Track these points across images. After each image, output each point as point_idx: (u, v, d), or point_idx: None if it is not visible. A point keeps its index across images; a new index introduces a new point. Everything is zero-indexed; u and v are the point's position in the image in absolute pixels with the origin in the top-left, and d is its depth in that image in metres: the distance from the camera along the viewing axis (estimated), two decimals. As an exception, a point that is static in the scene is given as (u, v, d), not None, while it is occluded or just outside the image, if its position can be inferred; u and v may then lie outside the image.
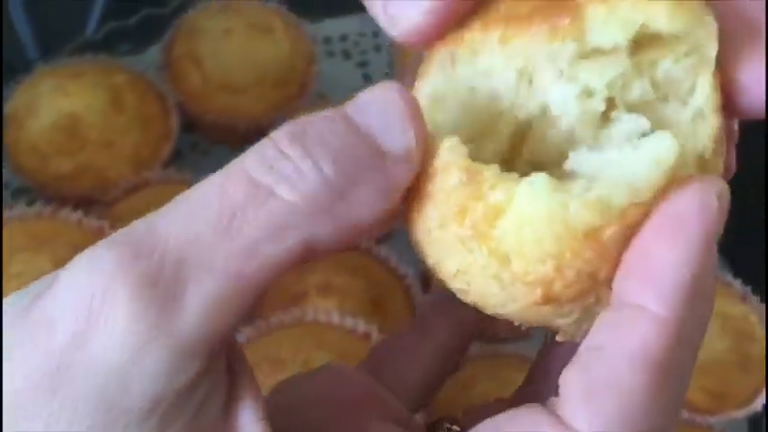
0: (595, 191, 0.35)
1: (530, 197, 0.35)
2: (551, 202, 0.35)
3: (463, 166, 0.36)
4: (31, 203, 1.04)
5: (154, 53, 1.21)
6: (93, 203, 1.08)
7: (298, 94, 1.19)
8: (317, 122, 0.37)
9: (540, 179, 0.36)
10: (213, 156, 1.23)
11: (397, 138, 0.36)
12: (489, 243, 0.35)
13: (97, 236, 0.96)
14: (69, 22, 1.27)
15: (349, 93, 1.30)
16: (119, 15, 1.27)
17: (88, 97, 1.08)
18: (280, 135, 0.37)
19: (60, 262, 0.92)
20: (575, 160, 0.38)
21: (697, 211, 0.33)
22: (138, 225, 0.37)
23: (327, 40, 1.35)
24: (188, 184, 1.08)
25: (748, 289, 1.09)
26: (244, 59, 1.14)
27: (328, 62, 1.33)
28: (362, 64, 1.34)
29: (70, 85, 1.09)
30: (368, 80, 1.32)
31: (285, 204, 0.35)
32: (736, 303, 1.08)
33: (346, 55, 1.34)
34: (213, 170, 1.23)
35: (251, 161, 0.37)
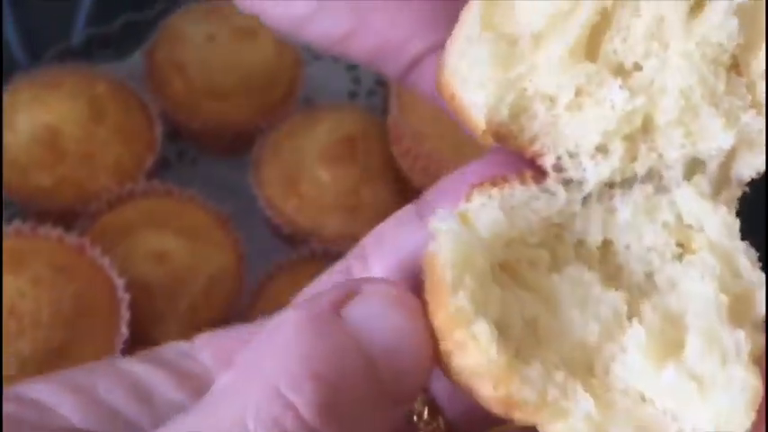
0: None
1: None
2: None
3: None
4: (11, 218, 1.01)
5: (136, 59, 1.18)
6: (77, 216, 1.04)
7: (284, 99, 1.16)
8: (349, 391, 0.39)
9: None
10: (202, 164, 1.20)
11: (417, 385, 0.40)
12: None
13: (78, 254, 0.92)
14: (55, 27, 1.24)
15: (337, 97, 1.22)
16: (103, 20, 1.23)
17: (67, 108, 1.05)
18: (310, 406, 0.38)
19: (40, 282, 0.89)
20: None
21: None
22: None
23: (315, 43, 1.31)
24: (173, 194, 1.05)
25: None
26: (227, 65, 1.11)
27: (316, 65, 1.29)
28: (351, 67, 1.30)
29: (49, 96, 1.05)
30: (357, 83, 1.29)
31: None
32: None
33: (334, 58, 1.30)
34: (201, 179, 1.18)
35: None
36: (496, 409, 0.40)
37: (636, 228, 0.45)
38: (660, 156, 0.44)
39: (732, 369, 0.40)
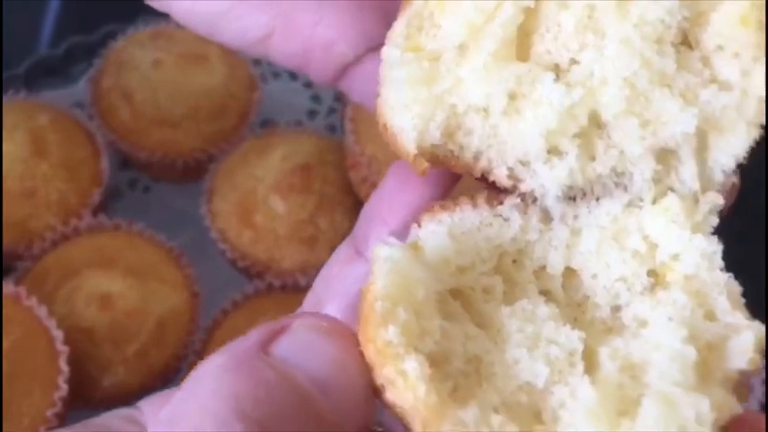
0: None
1: None
2: None
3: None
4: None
5: (82, 87, 1.13)
6: (19, 258, 0.99)
7: (238, 123, 1.11)
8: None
9: None
10: (155, 193, 1.15)
11: (358, 414, 0.38)
12: None
13: (13, 304, 0.87)
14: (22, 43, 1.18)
15: (296, 116, 1.17)
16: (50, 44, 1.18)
17: (6, 143, 0.99)
18: None
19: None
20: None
21: None
22: None
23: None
24: (121, 229, 1.00)
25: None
26: (175, 92, 1.05)
27: (275, 84, 1.24)
28: (310, 84, 1.25)
29: (-14, 131, 1.00)
30: (317, 101, 1.24)
31: None
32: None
33: (293, 75, 1.25)
34: (155, 208, 1.12)
35: None
36: None
37: (603, 255, 0.42)
38: (622, 152, 0.41)
39: None
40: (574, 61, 0.41)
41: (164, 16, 1.12)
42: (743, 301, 0.40)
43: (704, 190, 0.41)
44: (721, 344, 0.39)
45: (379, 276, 0.39)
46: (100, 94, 1.09)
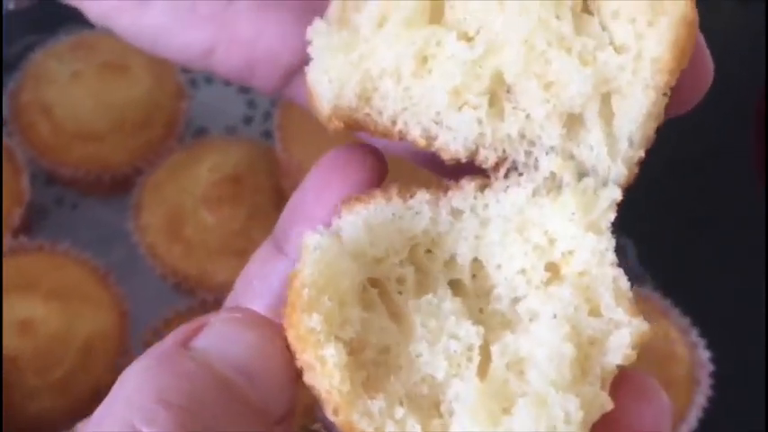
0: None
1: None
2: None
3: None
4: None
5: (0, 102, 1.08)
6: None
7: (166, 134, 1.07)
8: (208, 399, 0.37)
9: None
10: (82, 209, 1.11)
11: (281, 398, 0.39)
12: None
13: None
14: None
15: (230, 122, 1.15)
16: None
17: None
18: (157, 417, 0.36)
19: None
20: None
21: None
22: None
23: (204, 66, 1.22)
24: (44, 250, 0.97)
25: (668, 302, 1.03)
26: (96, 104, 1.02)
27: (207, 90, 1.21)
28: (245, 89, 1.21)
29: None
30: (252, 107, 1.21)
31: None
32: (655, 319, 1.01)
33: (226, 81, 1.22)
34: (84, 225, 1.07)
35: None
36: (338, 427, 0.40)
37: (507, 247, 0.44)
38: (528, 116, 0.42)
39: None
40: (481, 28, 0.43)
41: (87, 26, 1.10)
42: (630, 296, 0.42)
43: (613, 159, 0.42)
44: (603, 339, 0.41)
45: (308, 264, 0.41)
46: (19, 109, 1.05)
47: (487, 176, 0.44)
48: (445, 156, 0.43)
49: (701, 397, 0.98)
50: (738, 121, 1.15)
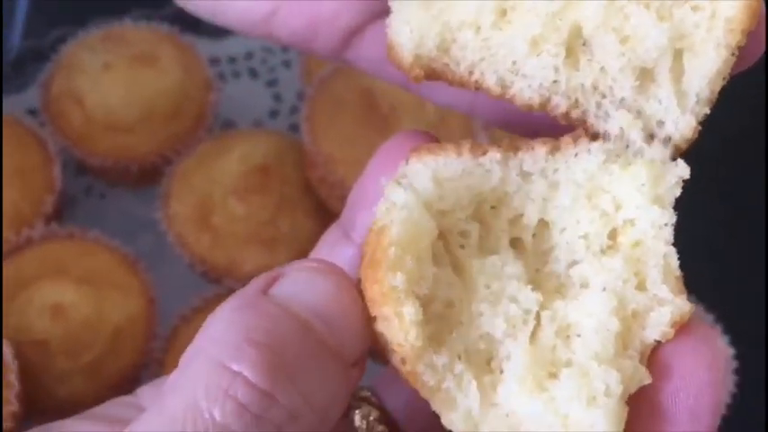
0: None
1: None
2: None
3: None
4: None
5: (33, 92, 1.10)
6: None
7: (194, 125, 1.08)
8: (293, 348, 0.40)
9: None
10: (111, 199, 1.13)
11: (355, 342, 0.42)
12: None
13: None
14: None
15: (257, 116, 1.16)
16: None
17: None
18: (255, 368, 0.38)
19: None
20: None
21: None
22: None
23: (232, 60, 1.24)
24: (75, 237, 0.98)
25: (691, 297, 1.02)
26: (126, 95, 1.03)
27: (234, 83, 1.22)
28: (272, 83, 1.23)
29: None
30: (278, 100, 1.22)
31: None
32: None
33: (253, 74, 1.23)
34: (112, 215, 1.09)
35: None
36: (403, 375, 0.42)
37: (575, 212, 0.45)
38: (603, 69, 0.44)
39: (595, 414, 0.41)
40: None
41: (116, 18, 1.11)
42: (677, 274, 0.43)
43: (682, 111, 0.43)
44: (645, 314, 0.43)
45: (396, 223, 0.42)
46: (51, 99, 1.06)
47: (557, 139, 0.45)
48: (519, 103, 0.45)
49: (724, 392, 0.98)
50: None
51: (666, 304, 0.43)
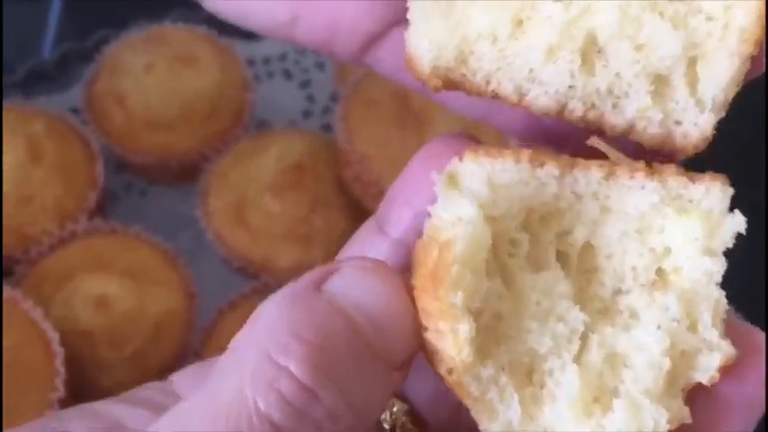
0: None
1: None
2: None
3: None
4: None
5: (77, 92, 1.14)
6: (17, 263, 1.01)
7: (232, 124, 1.12)
8: (340, 350, 0.40)
9: None
10: (151, 196, 1.16)
11: (403, 346, 0.42)
12: None
13: (10, 308, 0.89)
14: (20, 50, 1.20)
15: (291, 116, 1.20)
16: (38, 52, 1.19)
17: (3, 149, 1.00)
18: (300, 364, 0.39)
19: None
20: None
21: None
22: None
23: (266, 61, 1.27)
24: (117, 233, 1.02)
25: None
26: (167, 94, 1.06)
27: (268, 84, 1.25)
28: (305, 84, 1.26)
29: (-19, 137, 1.01)
30: (311, 101, 1.25)
31: None
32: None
33: (287, 75, 1.26)
34: (152, 212, 1.12)
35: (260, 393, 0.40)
36: (448, 383, 0.42)
37: (623, 243, 0.45)
38: (618, 74, 0.44)
39: None
40: None
41: (156, 20, 1.15)
42: (724, 317, 0.44)
43: (701, 110, 0.44)
44: (693, 355, 0.43)
45: (461, 239, 0.41)
46: (93, 98, 1.10)
47: (614, 165, 0.45)
48: (535, 110, 0.45)
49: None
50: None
51: (716, 349, 0.43)
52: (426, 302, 0.42)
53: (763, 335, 0.45)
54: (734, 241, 0.44)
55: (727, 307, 0.44)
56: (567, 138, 0.50)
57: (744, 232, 0.44)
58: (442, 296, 0.41)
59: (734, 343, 0.44)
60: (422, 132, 0.99)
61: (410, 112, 1.01)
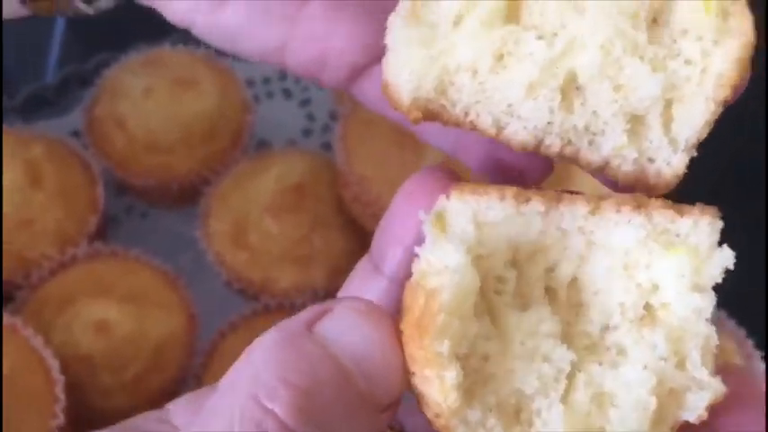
0: None
1: None
2: None
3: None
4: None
5: (77, 115, 1.14)
6: (18, 288, 1.01)
7: (232, 146, 1.12)
8: (326, 392, 0.40)
9: None
10: (151, 218, 1.16)
11: (391, 392, 0.42)
12: None
13: (10, 335, 0.89)
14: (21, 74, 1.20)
15: (291, 135, 1.21)
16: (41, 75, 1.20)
17: (3, 174, 1.01)
18: (286, 409, 0.39)
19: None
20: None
21: None
22: None
23: (266, 81, 1.27)
24: (118, 256, 1.02)
25: (723, 313, 1.02)
26: (167, 117, 1.07)
27: (268, 104, 1.25)
28: (305, 102, 1.26)
29: (-19, 162, 1.02)
30: (311, 120, 1.25)
31: None
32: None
33: (287, 94, 1.26)
34: (153, 234, 1.12)
35: None
36: (435, 426, 0.42)
37: (609, 279, 0.44)
38: (595, 113, 0.44)
39: None
40: (556, 33, 0.45)
41: (156, 43, 1.15)
42: (715, 353, 0.43)
43: (674, 149, 0.44)
44: (681, 393, 0.43)
45: (447, 288, 0.41)
46: (93, 122, 1.10)
47: (600, 200, 0.44)
48: (513, 144, 0.45)
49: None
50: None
51: (705, 387, 0.43)
52: (413, 350, 0.41)
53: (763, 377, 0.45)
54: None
55: (717, 342, 0.43)
56: (529, 178, 0.50)
57: (732, 267, 0.43)
58: (426, 345, 0.40)
59: (732, 380, 0.43)
60: (420, 152, 0.99)
61: (409, 131, 1.00)
